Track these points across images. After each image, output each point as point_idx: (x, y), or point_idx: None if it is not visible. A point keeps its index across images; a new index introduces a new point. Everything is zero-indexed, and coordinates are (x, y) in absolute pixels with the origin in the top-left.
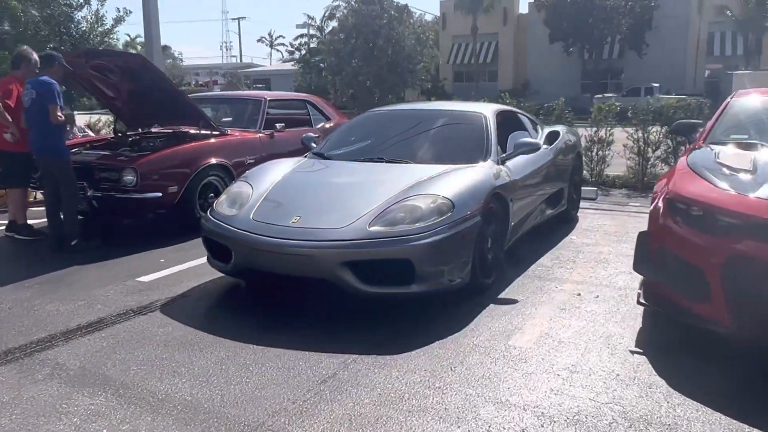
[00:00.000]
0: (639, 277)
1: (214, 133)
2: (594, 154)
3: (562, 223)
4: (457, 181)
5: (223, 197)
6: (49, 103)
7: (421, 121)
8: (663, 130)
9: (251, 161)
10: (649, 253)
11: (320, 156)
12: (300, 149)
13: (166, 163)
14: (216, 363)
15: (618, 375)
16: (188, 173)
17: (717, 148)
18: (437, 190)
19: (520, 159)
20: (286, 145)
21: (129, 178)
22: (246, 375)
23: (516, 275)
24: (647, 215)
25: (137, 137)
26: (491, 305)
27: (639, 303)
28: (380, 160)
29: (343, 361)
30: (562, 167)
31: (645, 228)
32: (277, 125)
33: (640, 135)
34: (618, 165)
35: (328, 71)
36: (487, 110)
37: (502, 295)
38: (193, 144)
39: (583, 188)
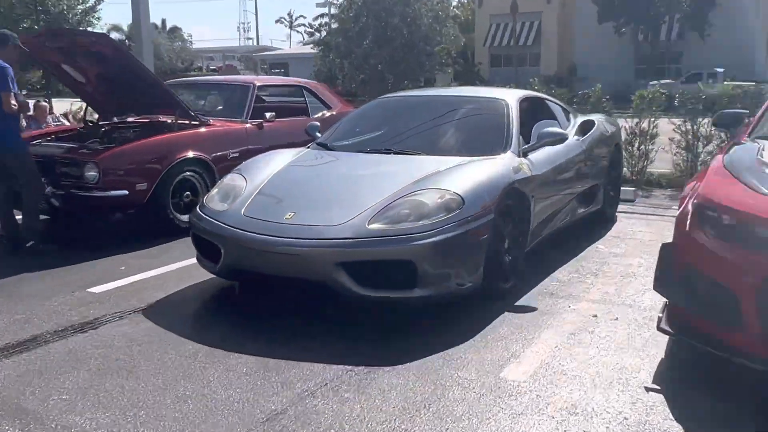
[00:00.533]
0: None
1: (192, 123)
2: (635, 148)
3: (596, 226)
4: (470, 174)
5: (214, 191)
6: (0, 90)
7: (435, 108)
8: None
9: (235, 155)
10: (672, 270)
11: (324, 147)
12: (296, 141)
13: (134, 158)
14: (152, 392)
15: (626, 418)
16: (159, 169)
17: (764, 143)
18: (446, 185)
19: (545, 151)
20: (277, 136)
21: (91, 173)
22: (180, 409)
23: (524, 290)
24: None
25: (109, 128)
26: (494, 323)
27: (659, 329)
28: (388, 151)
29: (298, 393)
30: (596, 161)
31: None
32: (267, 114)
33: (689, 127)
34: (663, 161)
35: (336, 54)
36: (510, 97)
37: (518, 304)
38: (165, 136)
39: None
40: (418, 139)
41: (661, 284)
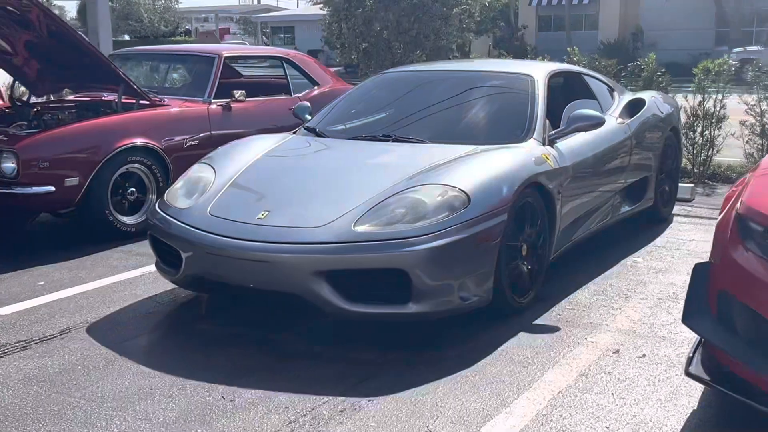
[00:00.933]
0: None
1: (141, 103)
2: (697, 134)
3: (639, 231)
4: (480, 167)
5: (178, 184)
6: None
7: (446, 86)
8: None
9: (193, 143)
10: (707, 298)
11: (313, 132)
12: (273, 125)
13: (61, 146)
14: None
15: None
16: (95, 160)
17: None
18: (450, 179)
19: (577, 139)
20: (248, 119)
21: (7, 165)
22: None
23: (535, 315)
24: None
25: (42, 108)
26: (500, 350)
27: (688, 374)
28: (387, 138)
29: None
30: (647, 149)
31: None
32: (236, 93)
33: (765, 107)
34: (732, 149)
35: (334, 17)
36: (538, 72)
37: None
38: (102, 119)
39: None
40: (424, 123)
41: (691, 316)
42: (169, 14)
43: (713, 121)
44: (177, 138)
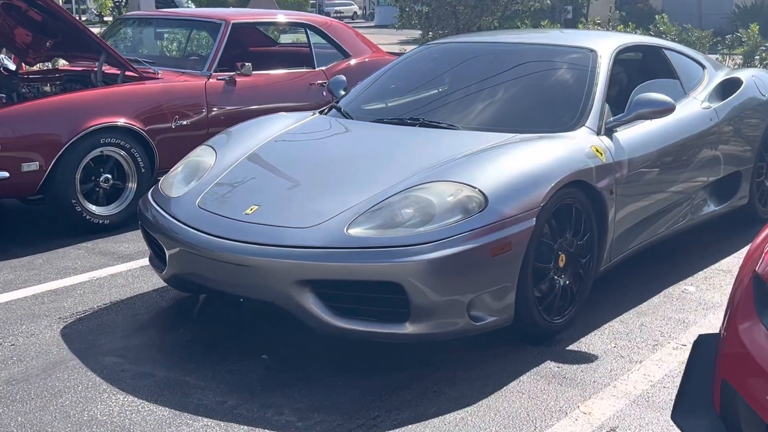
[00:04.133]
0: None
1: (127, 75)
2: None
3: (710, 243)
4: (508, 160)
5: (177, 168)
6: None
7: (495, 61)
8: None
9: (183, 122)
10: (710, 388)
11: (340, 112)
12: (287, 103)
13: (19, 125)
14: None
15: None
16: (60, 141)
17: None
18: (466, 176)
19: (643, 127)
20: (255, 97)
21: None
22: None
23: (525, 367)
24: None
25: (32, 78)
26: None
27: None
28: (414, 122)
29: None
30: (741, 139)
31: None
32: (242, 66)
33: None
34: None
35: None
36: (603, 46)
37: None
38: (72, 95)
39: None
40: (460, 105)
41: (683, 412)
42: None
43: None
44: (164, 117)
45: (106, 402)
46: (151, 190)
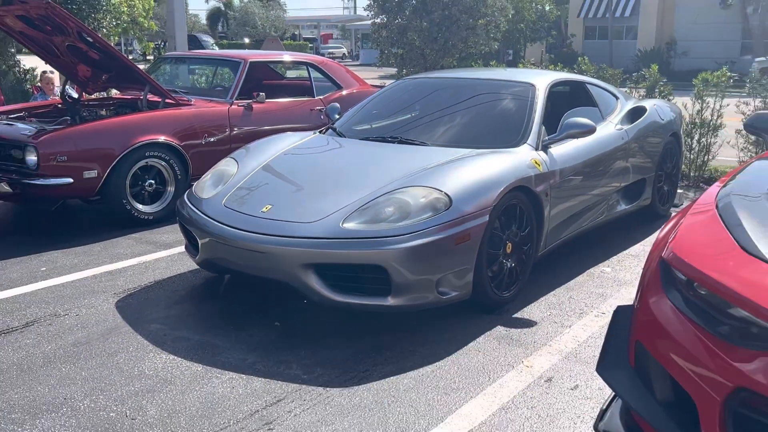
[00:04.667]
0: None
1: (167, 102)
2: (694, 141)
3: (619, 236)
4: (467, 170)
5: (207, 176)
6: None
7: (456, 92)
8: None
9: (211, 139)
10: (626, 348)
11: (335, 131)
12: (293, 125)
13: (80, 141)
14: None
15: None
16: (114, 154)
17: None
18: (435, 182)
19: (571, 144)
20: (269, 119)
21: (30, 158)
22: None
23: (480, 331)
24: None
25: (91, 104)
26: (417, 376)
27: (596, 430)
28: (394, 140)
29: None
30: (645, 153)
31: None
32: (257, 95)
33: None
34: (728, 156)
35: (374, 27)
36: (540, 81)
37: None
38: (123, 118)
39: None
40: (429, 126)
41: (606, 366)
42: (278, 22)
43: (710, 129)
44: (196, 135)
45: (152, 360)
46: (186, 193)
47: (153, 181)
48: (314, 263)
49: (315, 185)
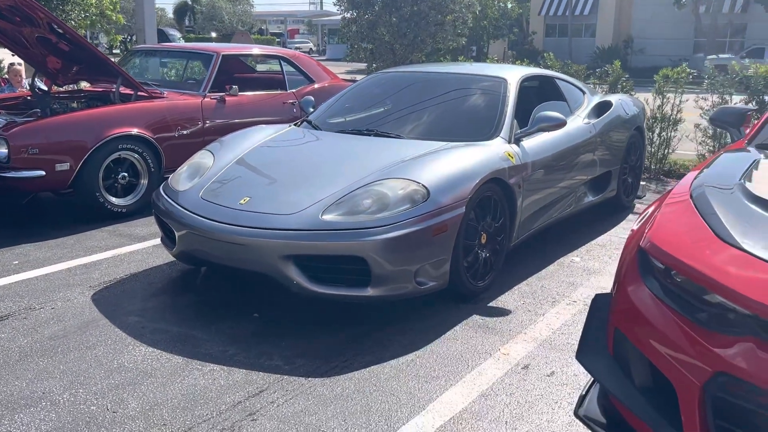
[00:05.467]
0: None
1: (139, 95)
2: (655, 135)
3: (583, 225)
4: (443, 163)
5: (182, 168)
6: None
7: (429, 86)
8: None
9: (184, 132)
10: (604, 334)
11: (310, 124)
12: (266, 118)
13: (52, 134)
14: None
15: None
16: (87, 146)
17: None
18: (413, 174)
19: (542, 138)
20: (242, 112)
21: (0, 150)
22: None
23: (457, 320)
24: None
25: (62, 96)
26: (400, 364)
27: (577, 416)
28: (370, 132)
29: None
30: (611, 146)
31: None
32: (230, 88)
33: None
34: (687, 150)
35: (344, 22)
36: (511, 75)
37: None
38: (94, 110)
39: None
40: (404, 120)
41: (585, 353)
42: (245, 16)
43: (670, 123)
44: (168, 128)
45: (131, 353)
46: (162, 185)
47: (126, 174)
48: (294, 255)
49: (292, 178)
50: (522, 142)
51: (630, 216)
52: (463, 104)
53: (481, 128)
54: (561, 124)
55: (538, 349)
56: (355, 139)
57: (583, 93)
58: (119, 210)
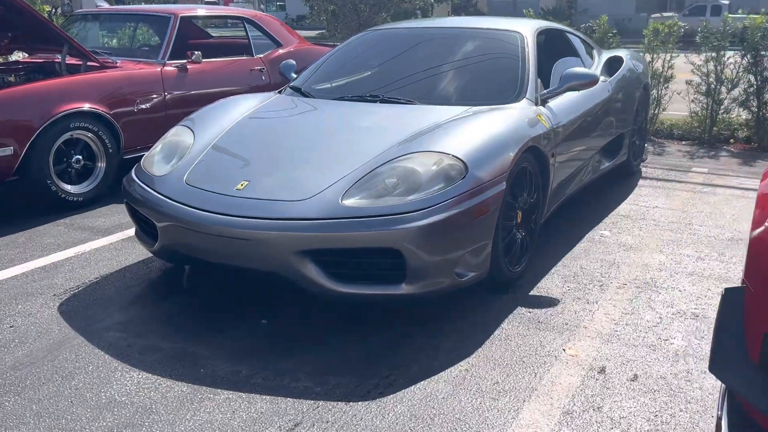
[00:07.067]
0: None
1: (88, 64)
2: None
3: (601, 194)
4: (475, 131)
5: (156, 149)
6: None
7: (433, 44)
8: (744, 62)
9: (144, 106)
10: (744, 339)
11: (298, 91)
12: (233, 87)
13: None
14: None
15: None
16: (33, 126)
17: None
18: (444, 146)
19: (566, 98)
20: (206, 81)
21: None
22: None
23: (502, 314)
24: (720, 196)
25: None
26: (490, 340)
27: None
28: (375, 99)
29: None
30: (624, 106)
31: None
32: (193, 54)
33: (712, 67)
34: (677, 109)
35: None
36: (526, 29)
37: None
38: (40, 83)
39: None
40: (411, 83)
41: (721, 363)
42: None
43: (661, 80)
44: (127, 102)
45: (120, 381)
46: (134, 169)
47: (80, 157)
48: (311, 249)
49: (294, 155)
50: (548, 104)
51: (641, 182)
52: (478, 63)
53: (503, 89)
54: (593, 81)
55: (606, 347)
56: (359, 107)
57: (592, 48)
58: (75, 199)
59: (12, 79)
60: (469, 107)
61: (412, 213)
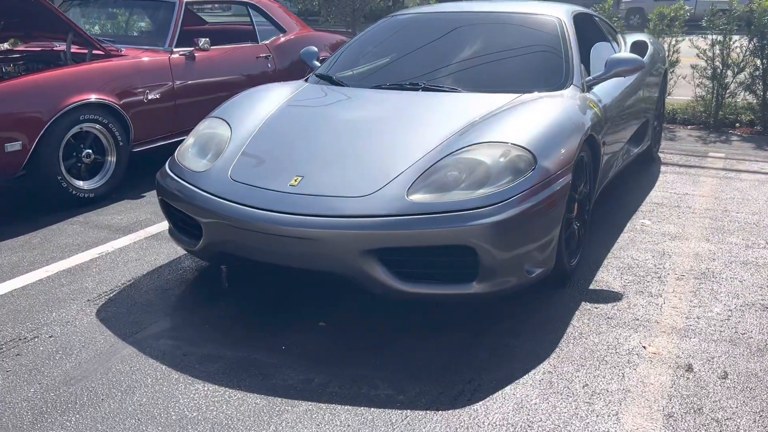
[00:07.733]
0: None
1: (94, 53)
2: None
3: (629, 180)
4: (534, 119)
5: (189, 141)
6: None
7: (468, 30)
8: (750, 45)
9: (154, 96)
10: None
11: (327, 80)
12: (241, 75)
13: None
14: None
15: None
16: (42, 120)
17: None
18: (507, 135)
19: (607, 84)
20: (215, 69)
21: None
22: None
23: (568, 311)
24: (747, 182)
25: None
26: (565, 339)
27: None
28: (415, 87)
29: None
30: (650, 92)
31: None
32: (200, 41)
33: (717, 51)
34: (682, 94)
35: None
36: (562, 12)
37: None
38: (49, 73)
39: None
40: (452, 70)
41: None
42: None
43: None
44: (136, 91)
45: (186, 394)
46: (167, 164)
47: (90, 151)
48: (378, 248)
49: (347, 147)
50: (594, 90)
51: (663, 168)
52: (518, 49)
53: (549, 75)
54: (640, 67)
55: (685, 343)
56: (401, 95)
57: (615, 32)
58: (86, 195)
59: (11, 69)
60: (517, 95)
61: (484, 208)
